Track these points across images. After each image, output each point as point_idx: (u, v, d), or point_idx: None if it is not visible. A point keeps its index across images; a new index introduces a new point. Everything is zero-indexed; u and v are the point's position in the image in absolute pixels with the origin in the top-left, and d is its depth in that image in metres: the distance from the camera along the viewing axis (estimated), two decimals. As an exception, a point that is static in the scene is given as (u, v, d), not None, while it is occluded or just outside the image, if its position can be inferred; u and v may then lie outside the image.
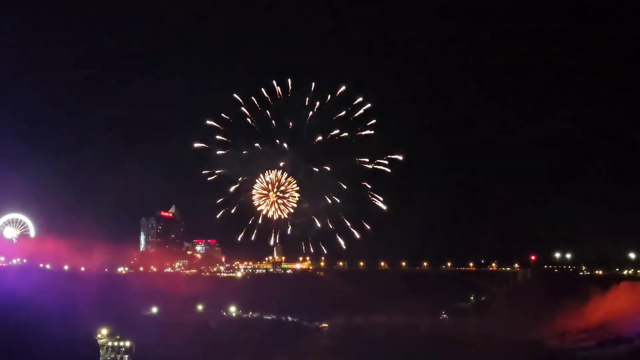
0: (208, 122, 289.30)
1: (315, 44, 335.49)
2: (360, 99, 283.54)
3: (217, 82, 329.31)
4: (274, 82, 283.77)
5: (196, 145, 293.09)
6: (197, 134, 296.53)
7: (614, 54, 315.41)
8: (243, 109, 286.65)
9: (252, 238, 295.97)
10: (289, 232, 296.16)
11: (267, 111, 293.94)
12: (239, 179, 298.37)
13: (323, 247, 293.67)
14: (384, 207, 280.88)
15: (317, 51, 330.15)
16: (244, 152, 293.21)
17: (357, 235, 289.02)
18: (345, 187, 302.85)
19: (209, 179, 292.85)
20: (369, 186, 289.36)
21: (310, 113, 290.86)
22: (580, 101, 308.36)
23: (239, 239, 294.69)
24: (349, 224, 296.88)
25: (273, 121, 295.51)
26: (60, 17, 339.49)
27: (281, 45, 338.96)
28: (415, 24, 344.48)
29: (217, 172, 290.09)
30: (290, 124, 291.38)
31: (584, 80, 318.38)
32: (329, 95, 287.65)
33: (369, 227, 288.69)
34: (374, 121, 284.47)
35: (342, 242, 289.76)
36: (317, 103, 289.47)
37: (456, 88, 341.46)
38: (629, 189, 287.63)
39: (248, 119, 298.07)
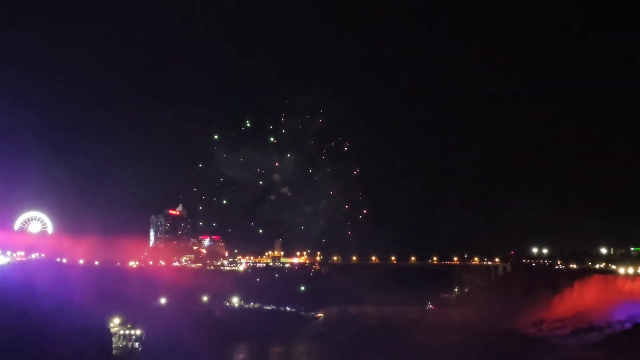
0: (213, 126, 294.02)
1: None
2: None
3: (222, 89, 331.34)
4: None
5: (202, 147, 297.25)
6: (204, 136, 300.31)
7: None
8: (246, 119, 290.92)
9: (253, 234, 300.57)
10: (287, 229, 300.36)
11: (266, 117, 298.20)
12: (241, 179, 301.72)
13: (320, 243, 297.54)
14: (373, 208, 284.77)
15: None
16: (244, 154, 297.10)
17: (350, 232, 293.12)
18: (338, 186, 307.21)
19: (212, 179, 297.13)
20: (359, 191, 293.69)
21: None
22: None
23: (241, 235, 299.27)
24: (343, 222, 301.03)
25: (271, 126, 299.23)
26: (75, 22, 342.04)
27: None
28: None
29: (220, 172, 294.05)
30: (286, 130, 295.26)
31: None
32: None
33: (361, 225, 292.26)
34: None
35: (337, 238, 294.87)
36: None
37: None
38: (603, 189, 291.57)
39: (248, 123, 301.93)
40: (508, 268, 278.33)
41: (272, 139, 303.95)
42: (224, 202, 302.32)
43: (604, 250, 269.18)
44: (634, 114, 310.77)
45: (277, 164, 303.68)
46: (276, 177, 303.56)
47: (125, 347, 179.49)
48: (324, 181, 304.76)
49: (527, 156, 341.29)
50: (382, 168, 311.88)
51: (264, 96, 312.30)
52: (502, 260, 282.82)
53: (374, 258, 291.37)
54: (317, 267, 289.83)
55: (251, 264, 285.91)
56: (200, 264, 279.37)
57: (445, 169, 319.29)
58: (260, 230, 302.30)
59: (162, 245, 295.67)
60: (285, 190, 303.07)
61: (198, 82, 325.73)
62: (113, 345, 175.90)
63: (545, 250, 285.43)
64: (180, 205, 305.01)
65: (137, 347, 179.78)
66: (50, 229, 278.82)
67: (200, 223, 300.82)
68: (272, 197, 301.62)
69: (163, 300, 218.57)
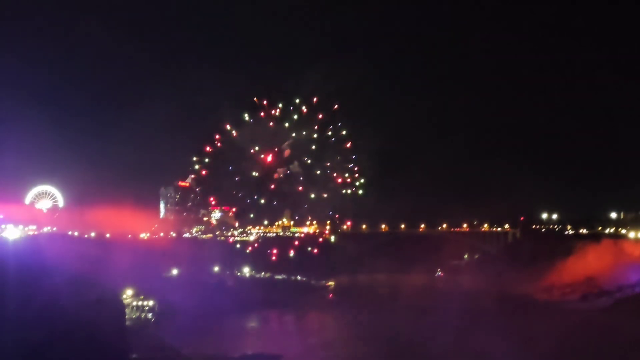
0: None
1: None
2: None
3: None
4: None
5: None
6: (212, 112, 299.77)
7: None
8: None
9: (264, 205, 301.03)
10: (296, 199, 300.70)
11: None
12: (251, 150, 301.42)
13: (329, 212, 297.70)
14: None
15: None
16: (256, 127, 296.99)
17: (359, 201, 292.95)
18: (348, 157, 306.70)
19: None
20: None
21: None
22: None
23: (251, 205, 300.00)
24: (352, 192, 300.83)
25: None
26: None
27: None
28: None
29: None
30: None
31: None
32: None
33: (371, 194, 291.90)
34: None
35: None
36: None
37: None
38: (612, 155, 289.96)
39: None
40: (518, 234, 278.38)
41: (283, 113, 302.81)
42: (235, 176, 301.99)
43: (613, 215, 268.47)
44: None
45: (287, 136, 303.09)
46: (286, 149, 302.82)
47: (139, 317, 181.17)
48: (335, 152, 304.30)
49: (534, 123, 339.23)
50: (394, 138, 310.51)
51: (276, 70, 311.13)
52: (511, 226, 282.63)
53: (383, 226, 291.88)
54: (327, 235, 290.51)
55: (262, 234, 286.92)
56: (210, 235, 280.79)
57: (452, 135, 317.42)
58: (271, 201, 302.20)
59: (173, 216, 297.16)
60: (295, 163, 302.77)
61: (210, 55, 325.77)
62: (126, 317, 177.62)
63: (554, 216, 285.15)
64: (190, 176, 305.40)
65: (150, 317, 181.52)
66: (61, 202, 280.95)
67: (212, 199, 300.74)
68: (283, 169, 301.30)
69: (175, 271, 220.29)
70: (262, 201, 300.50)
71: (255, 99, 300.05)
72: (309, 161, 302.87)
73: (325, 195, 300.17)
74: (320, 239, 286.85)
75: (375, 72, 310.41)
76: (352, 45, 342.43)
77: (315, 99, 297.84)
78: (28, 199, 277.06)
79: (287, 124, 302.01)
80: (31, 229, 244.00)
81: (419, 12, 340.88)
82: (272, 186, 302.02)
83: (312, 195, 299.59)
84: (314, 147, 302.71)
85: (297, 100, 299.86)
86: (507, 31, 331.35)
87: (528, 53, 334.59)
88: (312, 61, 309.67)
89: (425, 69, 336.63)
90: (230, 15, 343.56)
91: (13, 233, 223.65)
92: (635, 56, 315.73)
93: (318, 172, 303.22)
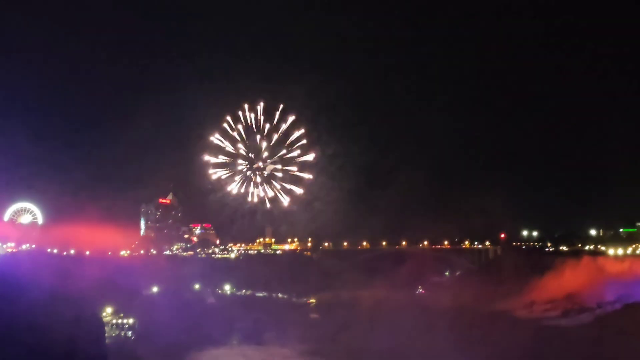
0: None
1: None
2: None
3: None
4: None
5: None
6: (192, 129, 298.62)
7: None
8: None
9: (244, 221, 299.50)
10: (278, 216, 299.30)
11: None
12: (230, 168, 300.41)
13: (311, 229, 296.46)
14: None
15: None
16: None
17: (340, 219, 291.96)
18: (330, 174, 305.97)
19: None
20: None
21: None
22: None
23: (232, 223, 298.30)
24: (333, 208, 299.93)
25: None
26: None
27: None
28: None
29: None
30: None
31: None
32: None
33: (351, 211, 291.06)
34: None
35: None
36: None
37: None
38: (591, 173, 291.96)
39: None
40: (499, 251, 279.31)
41: (265, 128, 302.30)
42: (216, 191, 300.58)
43: (593, 232, 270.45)
44: (623, 96, 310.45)
45: (268, 152, 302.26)
46: (267, 165, 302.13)
47: (119, 336, 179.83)
48: (318, 169, 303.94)
49: (514, 140, 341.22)
50: (374, 155, 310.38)
51: (260, 86, 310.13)
52: (492, 243, 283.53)
53: (365, 243, 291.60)
54: (309, 253, 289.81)
55: (243, 252, 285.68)
56: (191, 252, 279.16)
57: (433, 151, 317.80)
58: (252, 218, 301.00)
59: (153, 234, 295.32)
60: (277, 179, 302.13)
61: (189, 71, 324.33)
62: (106, 335, 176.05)
63: (535, 233, 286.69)
64: (171, 194, 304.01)
65: (130, 335, 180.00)
66: (40, 219, 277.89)
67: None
68: (264, 186, 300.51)
69: (155, 289, 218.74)
70: (243, 218, 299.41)
71: (240, 112, 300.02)
72: (290, 176, 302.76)
73: (305, 212, 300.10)
74: (302, 256, 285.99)
75: (356, 87, 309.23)
76: (333, 62, 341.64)
77: (294, 117, 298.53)
78: (7, 215, 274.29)
79: (269, 141, 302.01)
80: (9, 246, 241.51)
81: (405, 30, 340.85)
82: (254, 202, 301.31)
83: (293, 214, 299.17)
84: (294, 162, 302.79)
85: (277, 115, 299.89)
86: (492, 53, 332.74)
87: (508, 71, 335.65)
88: (294, 78, 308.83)
89: (407, 84, 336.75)
90: (211, 33, 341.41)
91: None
92: (615, 77, 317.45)
93: (299, 188, 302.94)
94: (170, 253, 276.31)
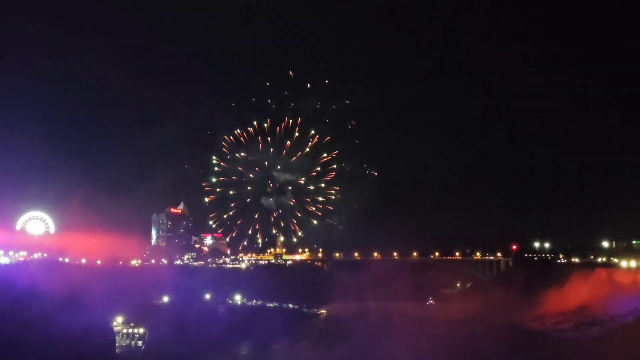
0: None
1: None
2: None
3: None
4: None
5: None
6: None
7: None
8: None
9: (256, 232, 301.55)
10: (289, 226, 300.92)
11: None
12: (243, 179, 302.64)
13: (322, 240, 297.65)
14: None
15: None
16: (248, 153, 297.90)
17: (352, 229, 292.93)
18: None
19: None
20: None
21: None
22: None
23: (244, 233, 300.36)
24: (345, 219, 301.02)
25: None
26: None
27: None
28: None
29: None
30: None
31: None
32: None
33: (363, 222, 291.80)
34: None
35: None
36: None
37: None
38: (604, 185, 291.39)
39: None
40: (510, 263, 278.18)
41: (274, 138, 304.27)
42: (228, 201, 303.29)
43: (605, 244, 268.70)
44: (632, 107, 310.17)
45: (280, 164, 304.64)
46: (279, 175, 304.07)
47: (129, 345, 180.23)
48: (328, 180, 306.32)
49: (528, 152, 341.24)
50: (386, 165, 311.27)
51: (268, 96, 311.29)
52: (504, 255, 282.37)
53: (375, 254, 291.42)
54: (319, 264, 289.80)
55: (253, 262, 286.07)
56: (202, 262, 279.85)
57: (445, 164, 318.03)
58: (261, 228, 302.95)
59: (164, 243, 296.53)
60: (288, 189, 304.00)
61: (202, 77, 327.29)
62: (116, 344, 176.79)
63: (547, 245, 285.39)
64: (182, 203, 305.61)
65: (140, 345, 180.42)
66: (52, 228, 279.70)
67: (211, 223, 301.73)
68: (275, 196, 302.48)
69: (166, 299, 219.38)
70: (255, 228, 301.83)
71: (255, 123, 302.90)
72: (304, 188, 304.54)
73: (316, 223, 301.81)
74: (313, 267, 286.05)
75: (366, 101, 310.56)
76: (347, 74, 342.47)
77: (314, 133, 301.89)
78: (19, 224, 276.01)
79: (283, 151, 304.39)
80: (22, 255, 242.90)
81: (411, 42, 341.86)
82: (266, 212, 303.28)
83: (305, 225, 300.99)
84: (309, 174, 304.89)
85: (293, 126, 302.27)
86: (491, 62, 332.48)
87: (513, 77, 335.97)
88: (308, 90, 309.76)
89: (417, 96, 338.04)
90: (220, 41, 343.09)
91: (2, 259, 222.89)
92: (617, 83, 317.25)
93: (311, 200, 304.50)
94: (181, 263, 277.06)
